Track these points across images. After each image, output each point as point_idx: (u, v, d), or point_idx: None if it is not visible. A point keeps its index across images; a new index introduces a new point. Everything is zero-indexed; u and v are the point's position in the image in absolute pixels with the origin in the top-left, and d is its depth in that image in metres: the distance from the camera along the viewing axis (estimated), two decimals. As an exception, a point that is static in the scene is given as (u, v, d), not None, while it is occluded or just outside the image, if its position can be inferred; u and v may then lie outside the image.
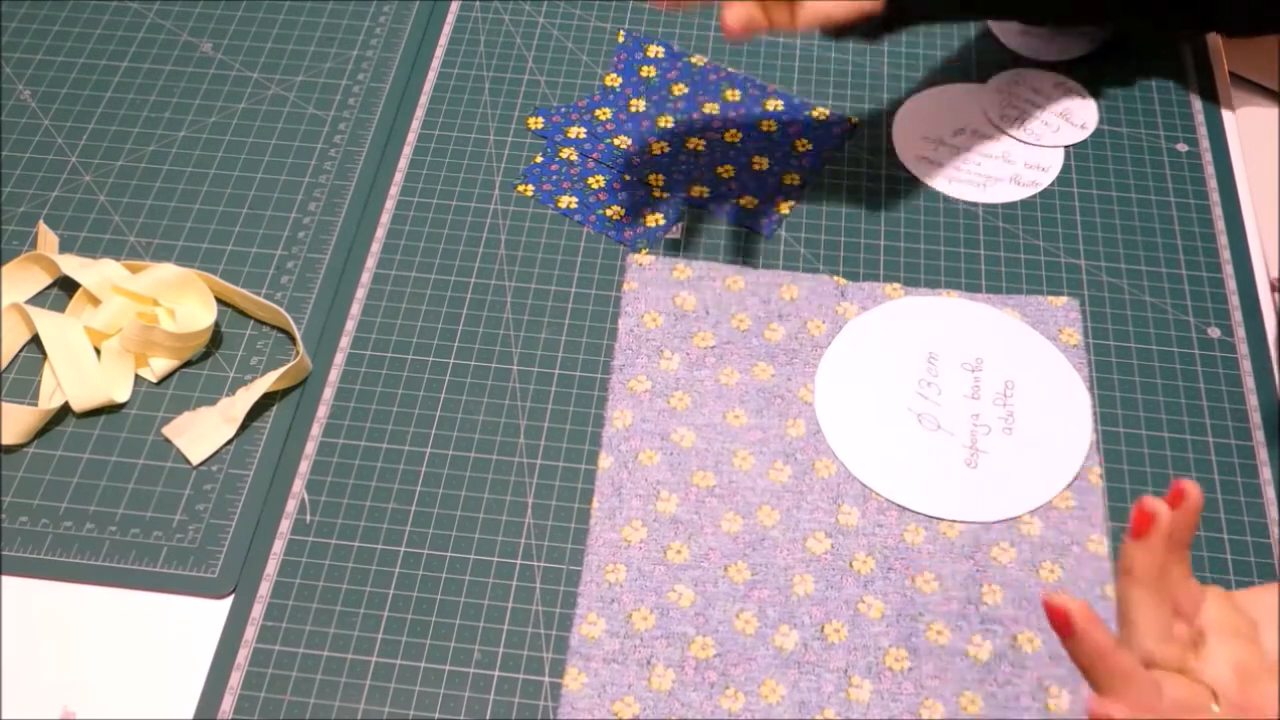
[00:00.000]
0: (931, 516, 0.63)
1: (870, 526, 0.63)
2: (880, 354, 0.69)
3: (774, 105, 0.81)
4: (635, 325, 0.70)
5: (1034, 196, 0.76)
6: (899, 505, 0.63)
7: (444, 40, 0.85)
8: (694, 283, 0.72)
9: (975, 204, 0.76)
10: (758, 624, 0.60)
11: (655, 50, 0.84)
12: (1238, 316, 0.71)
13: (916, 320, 0.70)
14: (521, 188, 0.77)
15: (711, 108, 0.81)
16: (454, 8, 0.87)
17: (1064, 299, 0.71)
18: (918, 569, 0.61)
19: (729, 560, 0.62)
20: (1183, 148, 0.79)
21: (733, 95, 0.81)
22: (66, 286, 0.72)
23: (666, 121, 0.80)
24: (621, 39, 0.85)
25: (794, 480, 0.64)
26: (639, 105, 0.81)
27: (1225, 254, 0.74)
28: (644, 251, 0.73)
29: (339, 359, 0.69)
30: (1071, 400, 0.67)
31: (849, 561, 0.62)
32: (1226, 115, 0.81)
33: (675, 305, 0.71)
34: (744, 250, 0.74)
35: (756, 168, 0.77)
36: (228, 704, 0.58)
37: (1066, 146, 0.79)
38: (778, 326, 0.70)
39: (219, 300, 0.71)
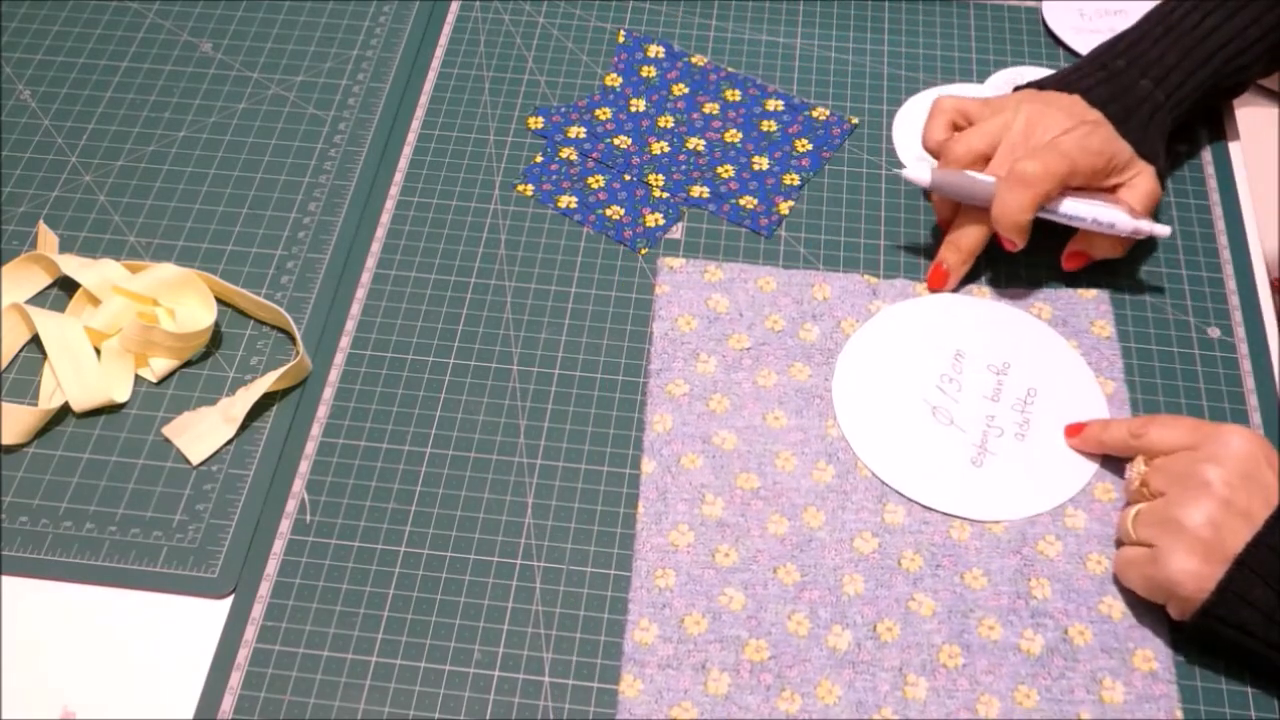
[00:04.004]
0: (925, 506, 0.63)
1: (916, 524, 0.63)
2: (904, 347, 0.69)
3: (774, 105, 0.81)
4: (670, 329, 0.70)
5: (1034, 196, 0.76)
6: (896, 491, 0.63)
7: (444, 40, 0.85)
8: (726, 285, 0.72)
9: (975, 204, 0.76)
10: (810, 625, 0.60)
11: (655, 50, 0.84)
12: (1238, 316, 0.71)
13: (945, 317, 0.70)
14: (521, 188, 0.77)
15: (711, 108, 0.81)
16: (454, 8, 0.87)
17: (1094, 291, 0.71)
18: (965, 565, 0.62)
19: (778, 562, 0.62)
20: (1182, 147, 0.79)
21: (733, 95, 0.81)
22: (66, 286, 0.72)
23: (666, 121, 0.80)
24: (621, 39, 0.85)
25: (837, 480, 0.64)
26: (639, 105, 0.81)
27: (1225, 254, 0.74)
28: (643, 251, 0.73)
29: (339, 359, 0.69)
30: (1091, 416, 0.66)
31: (897, 560, 0.62)
32: (1227, 115, 0.81)
33: (708, 308, 0.71)
34: (744, 250, 0.74)
35: (756, 168, 0.77)
36: (228, 704, 0.58)
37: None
38: (811, 326, 0.70)
39: (219, 300, 0.71)
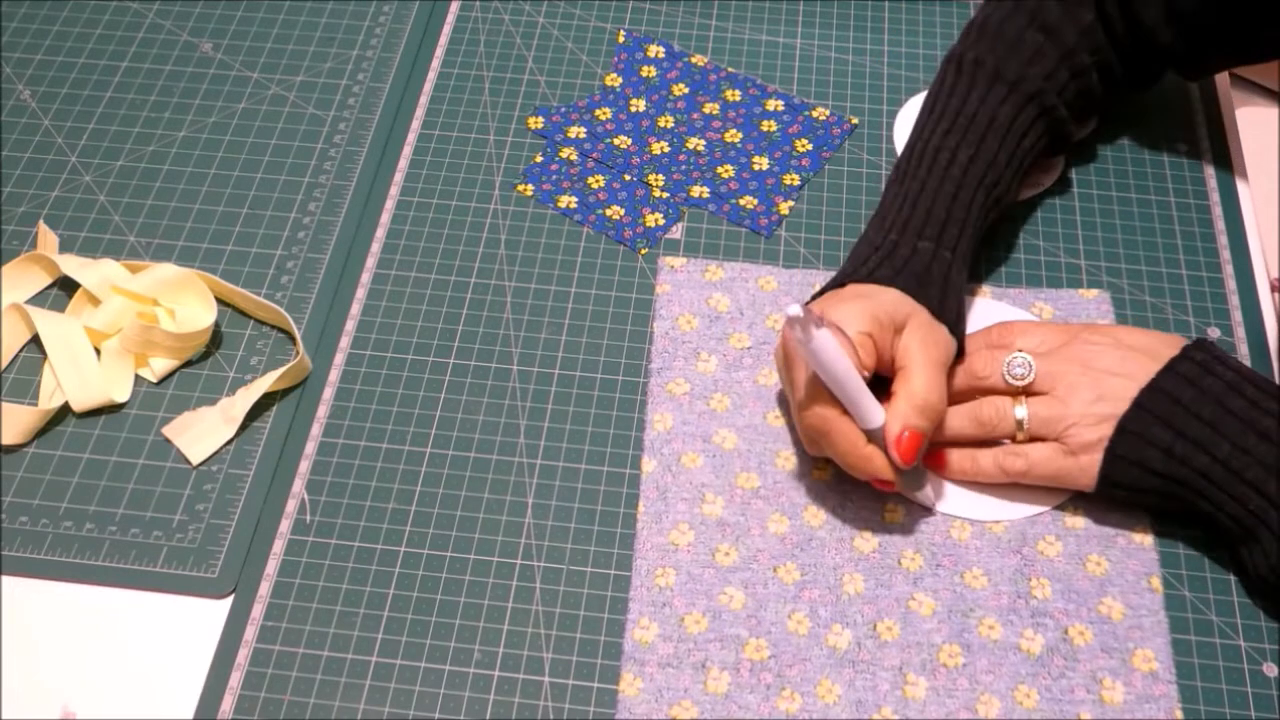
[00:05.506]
0: (926, 506, 0.63)
1: (916, 523, 0.63)
2: None
3: (774, 105, 0.81)
4: (670, 328, 0.70)
5: (1034, 196, 0.76)
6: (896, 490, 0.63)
7: (444, 40, 0.85)
8: (726, 284, 0.72)
9: (975, 204, 0.76)
10: (810, 624, 0.60)
11: (655, 50, 0.84)
12: (1238, 316, 0.71)
13: None
14: (521, 188, 0.77)
15: (711, 108, 0.81)
16: (454, 8, 0.87)
17: (1095, 291, 0.71)
18: (965, 564, 0.62)
19: (778, 561, 0.62)
20: (1182, 147, 0.79)
21: (733, 95, 0.81)
22: (66, 286, 0.72)
23: (666, 121, 0.80)
24: (621, 39, 0.85)
25: (837, 480, 0.64)
26: (639, 105, 0.81)
27: (1225, 254, 0.74)
28: (643, 251, 0.73)
29: (339, 359, 0.69)
30: None
31: (897, 559, 0.62)
32: (1226, 115, 0.81)
33: (709, 307, 0.71)
34: (744, 250, 0.74)
35: (756, 168, 0.77)
36: (228, 704, 0.58)
37: (1066, 146, 0.79)
38: None
39: (219, 300, 0.71)
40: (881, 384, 0.61)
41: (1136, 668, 0.58)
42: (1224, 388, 0.59)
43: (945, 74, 0.71)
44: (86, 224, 0.75)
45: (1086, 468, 0.60)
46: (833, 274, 0.72)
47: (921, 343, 0.61)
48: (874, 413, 0.58)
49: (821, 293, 0.65)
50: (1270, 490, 0.57)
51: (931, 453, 0.63)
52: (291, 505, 0.64)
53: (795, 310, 0.53)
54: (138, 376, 0.69)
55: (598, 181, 0.77)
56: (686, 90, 0.82)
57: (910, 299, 0.62)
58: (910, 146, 0.69)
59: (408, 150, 0.79)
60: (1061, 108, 0.70)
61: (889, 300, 0.61)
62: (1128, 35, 0.72)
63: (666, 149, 0.78)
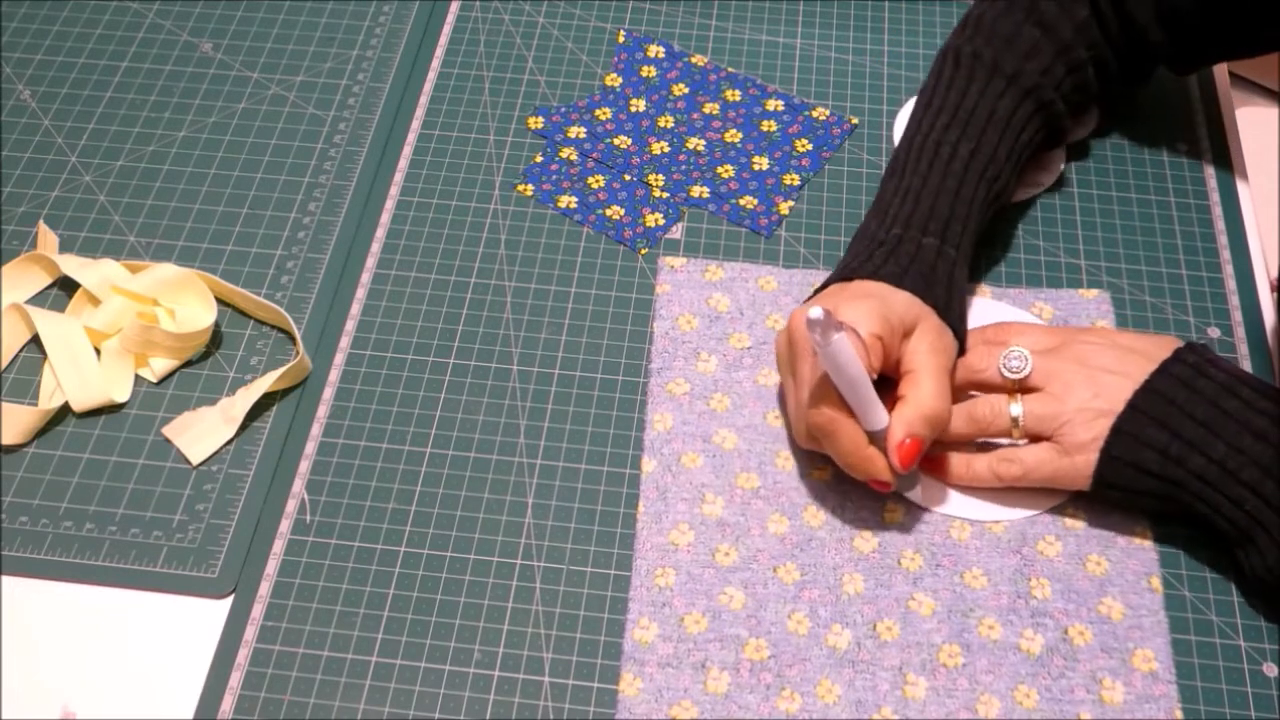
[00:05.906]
0: (925, 506, 0.63)
1: (916, 523, 0.63)
2: None
3: (774, 105, 0.81)
4: (670, 328, 0.70)
5: (1034, 197, 0.76)
6: (896, 490, 0.63)
7: (444, 40, 0.85)
8: (726, 284, 0.72)
9: (975, 204, 0.76)
10: (810, 624, 0.60)
11: (655, 50, 0.84)
12: (1238, 316, 0.71)
13: None
14: (521, 188, 0.77)
15: (711, 108, 0.81)
16: (454, 8, 0.87)
17: (1095, 291, 0.71)
18: (965, 564, 0.62)
19: (778, 561, 0.62)
20: (1182, 146, 0.79)
21: (733, 95, 0.81)
22: (66, 286, 0.72)
23: (666, 121, 0.80)
24: (621, 39, 0.85)
25: (837, 480, 0.64)
26: (639, 105, 0.81)
27: (1225, 254, 0.74)
28: (643, 251, 0.73)
29: (339, 359, 0.69)
30: None
31: (897, 559, 0.62)
32: (1227, 115, 0.81)
33: (709, 307, 0.71)
34: (744, 250, 0.74)
35: (756, 168, 0.77)
36: (228, 704, 0.58)
37: (1066, 145, 0.79)
38: None
39: (219, 300, 0.71)
40: (881, 383, 0.61)
41: (1136, 668, 0.58)
42: (1218, 389, 0.59)
43: (942, 67, 0.71)
44: (86, 224, 0.75)
45: (1082, 468, 0.60)
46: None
47: (931, 348, 0.61)
48: (879, 415, 0.59)
49: (825, 285, 0.65)
50: (1266, 491, 0.57)
51: (927, 457, 0.63)
52: (291, 505, 0.64)
53: (817, 313, 0.53)
54: (138, 376, 0.69)
55: (598, 181, 0.77)
56: (686, 90, 0.82)
57: (920, 301, 0.62)
58: (909, 139, 0.69)
59: (408, 150, 0.79)
60: (1059, 102, 0.70)
61: (900, 303, 0.61)
62: (1121, 33, 0.72)
63: (666, 149, 0.78)
